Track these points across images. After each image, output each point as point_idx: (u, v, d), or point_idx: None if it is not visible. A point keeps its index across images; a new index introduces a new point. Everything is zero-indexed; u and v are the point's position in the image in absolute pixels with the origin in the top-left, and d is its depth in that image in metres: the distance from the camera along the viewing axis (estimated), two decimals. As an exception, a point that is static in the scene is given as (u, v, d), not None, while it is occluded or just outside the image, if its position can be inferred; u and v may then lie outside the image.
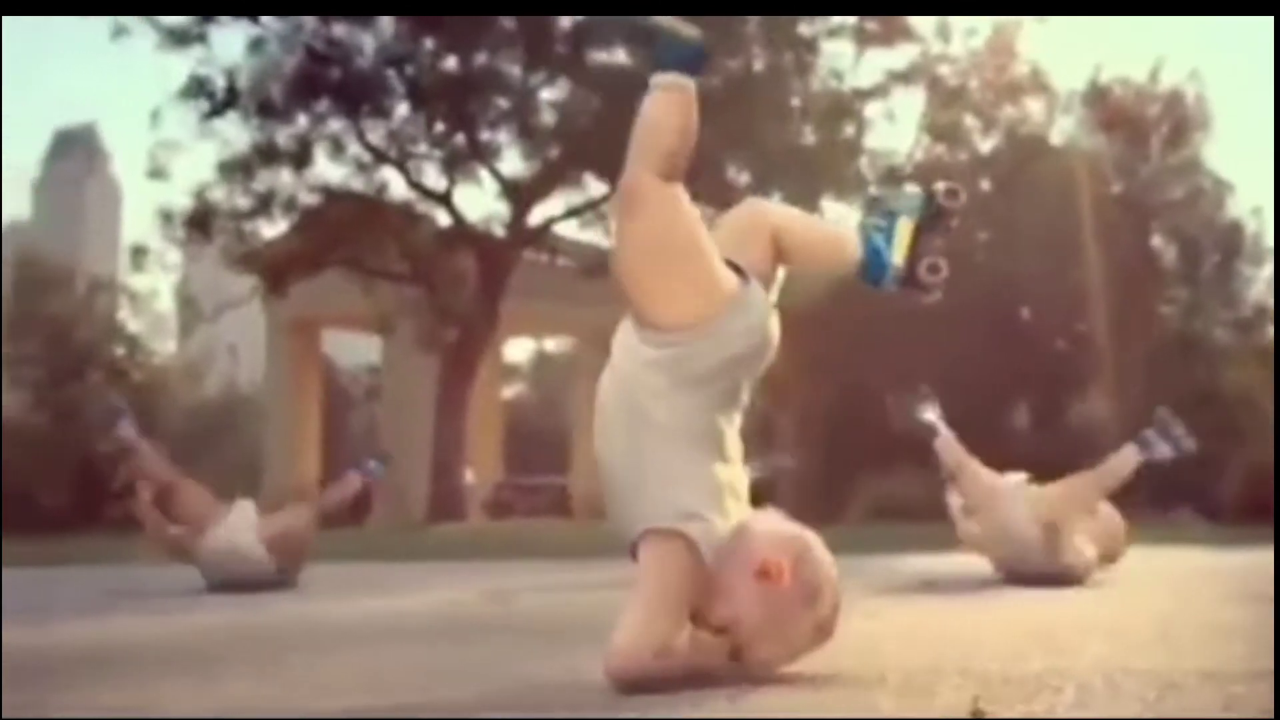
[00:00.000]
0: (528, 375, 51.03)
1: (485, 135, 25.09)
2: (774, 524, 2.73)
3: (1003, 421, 23.32)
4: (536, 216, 25.57)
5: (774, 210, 3.00)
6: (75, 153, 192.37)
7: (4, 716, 2.51)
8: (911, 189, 2.96)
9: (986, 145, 26.71)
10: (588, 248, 26.39)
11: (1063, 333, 26.30)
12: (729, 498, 2.69)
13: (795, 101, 24.20)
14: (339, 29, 24.61)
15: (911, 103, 26.20)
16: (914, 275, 2.87)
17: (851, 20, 24.12)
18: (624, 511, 2.72)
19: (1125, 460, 6.25)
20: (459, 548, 12.43)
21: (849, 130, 24.88)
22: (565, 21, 24.09)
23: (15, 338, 31.66)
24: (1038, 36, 45.58)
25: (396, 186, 25.09)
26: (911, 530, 11.23)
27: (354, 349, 42.81)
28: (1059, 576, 5.71)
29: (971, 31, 25.73)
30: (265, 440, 34.49)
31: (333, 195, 24.68)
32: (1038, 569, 5.78)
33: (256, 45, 24.20)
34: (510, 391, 45.07)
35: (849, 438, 23.93)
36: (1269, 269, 26.11)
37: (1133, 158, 26.04)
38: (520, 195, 25.14)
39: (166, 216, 24.82)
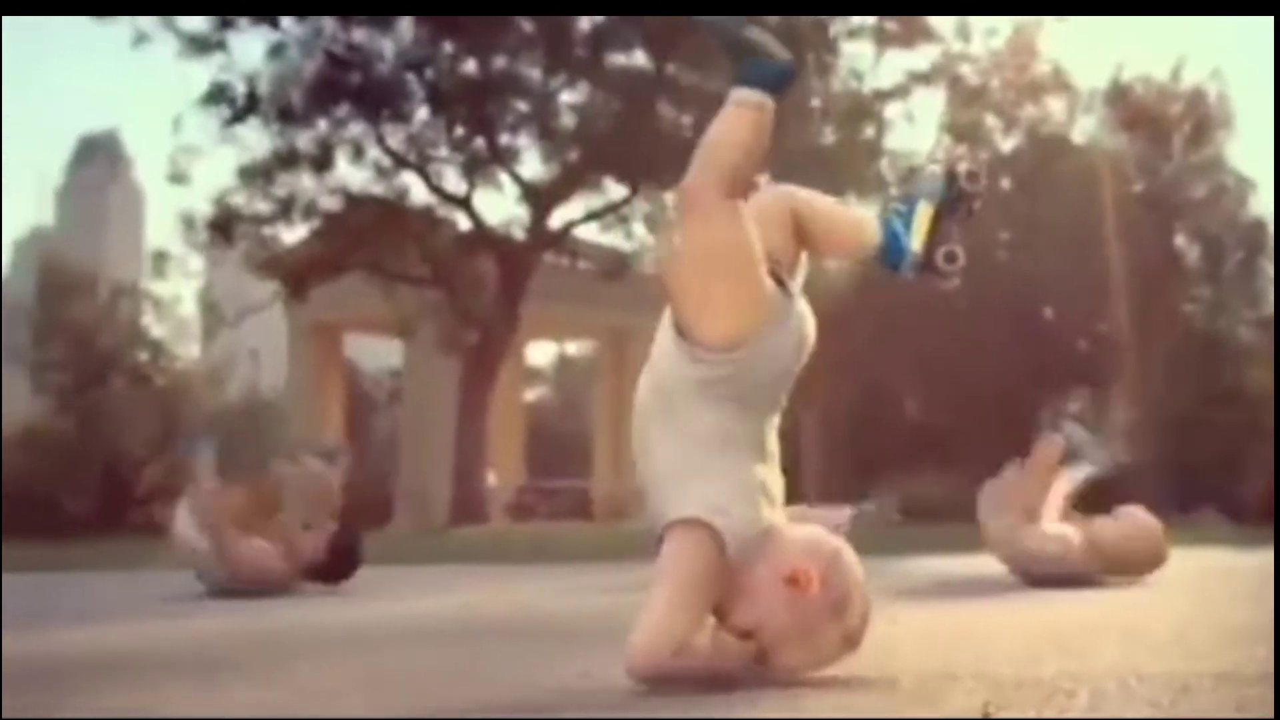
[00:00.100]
0: (550, 378, 51.06)
1: (505, 139, 25.13)
2: (806, 530, 2.72)
3: (1025, 420, 23.21)
4: (557, 220, 25.60)
5: (795, 195, 2.95)
6: (98, 159, 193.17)
7: (8, 718, 2.53)
8: (933, 172, 2.93)
9: (1008, 145, 26.63)
10: (608, 251, 26.40)
11: (1085, 332, 26.20)
12: (762, 497, 2.68)
13: (815, 102, 24.14)
14: (359, 34, 24.66)
15: (932, 103, 26.16)
16: (931, 262, 2.84)
17: (871, 21, 24.09)
18: (657, 507, 2.70)
19: (1045, 449, 6.35)
20: (480, 551, 12.42)
21: (869, 131, 24.84)
22: (584, 24, 24.11)
23: (40, 343, 31.79)
24: (1059, 35, 45.45)
25: (417, 191, 25.16)
26: (932, 532, 11.18)
27: (377, 353, 42.89)
28: (1029, 565, 5.89)
29: (992, 31, 25.71)
30: (288, 444, 34.56)
31: (353, 200, 24.74)
32: (1008, 558, 6.04)
33: (276, 51, 24.28)
34: (532, 395, 45.12)
35: (871, 437, 23.91)
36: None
37: (1155, 156, 25.91)
38: (540, 198, 25.16)
39: (188, 222, 24.94)
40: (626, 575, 6.81)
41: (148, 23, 23.76)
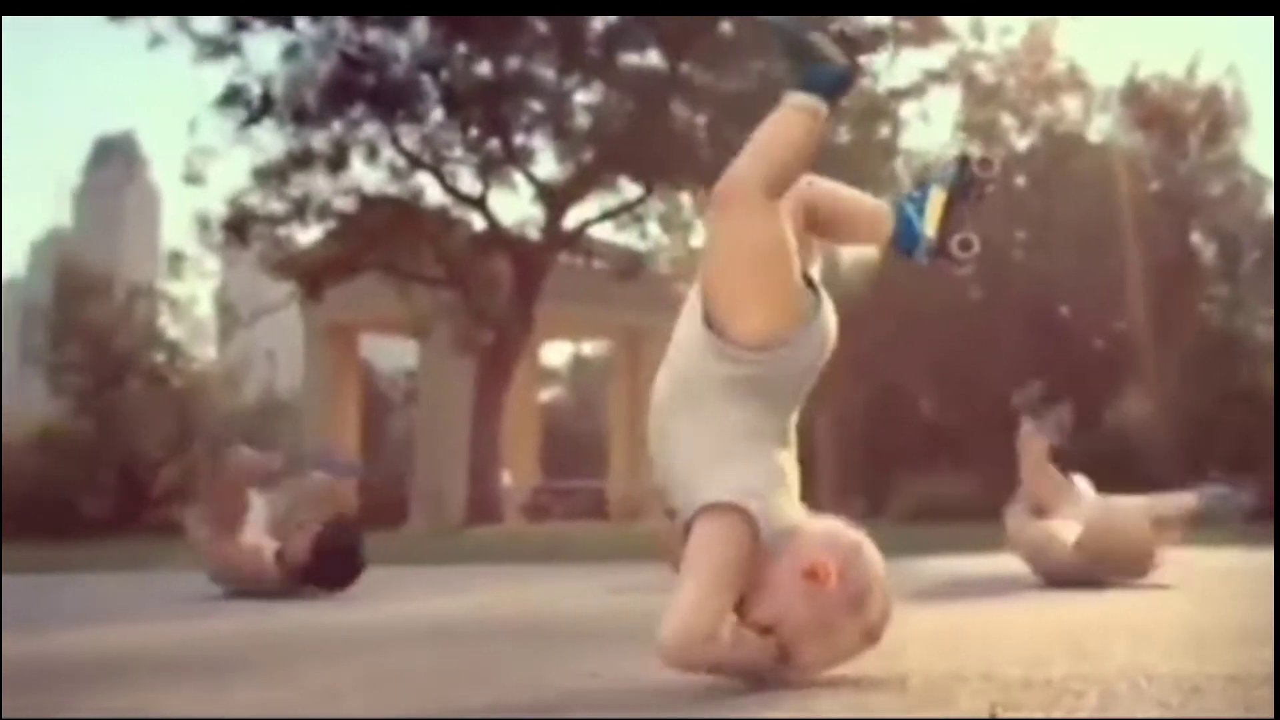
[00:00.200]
0: (565, 378, 51.11)
1: (520, 139, 25.18)
2: (827, 525, 2.71)
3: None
4: (571, 220, 25.63)
5: (809, 181, 2.94)
6: (114, 160, 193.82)
7: (17, 719, 2.54)
8: (946, 158, 2.93)
9: (1023, 143, 26.55)
10: (623, 250, 26.42)
11: (1101, 331, 26.12)
12: (785, 484, 2.69)
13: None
14: (373, 35, 24.73)
15: (947, 102, 26.13)
16: (945, 248, 2.84)
17: (886, 20, 24.07)
18: (683, 497, 2.68)
19: (1027, 445, 6.34)
20: (496, 551, 12.44)
21: (884, 130, 24.82)
22: (598, 24, 24.14)
23: (57, 345, 31.91)
24: (1074, 33, 45.38)
25: (432, 191, 25.21)
26: (947, 531, 11.16)
27: (392, 353, 42.98)
28: (1032, 561, 5.86)
29: (1007, 30, 25.67)
30: (304, 445, 34.64)
31: (368, 200, 24.81)
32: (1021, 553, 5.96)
33: (291, 52, 24.35)
34: (547, 395, 45.16)
35: (886, 437, 23.87)
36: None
37: (1171, 154, 25.81)
38: (555, 198, 25.19)
39: (203, 223, 25.03)
40: (642, 575, 6.81)
41: (163, 24, 23.86)
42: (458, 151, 25.13)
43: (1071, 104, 26.77)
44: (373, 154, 24.79)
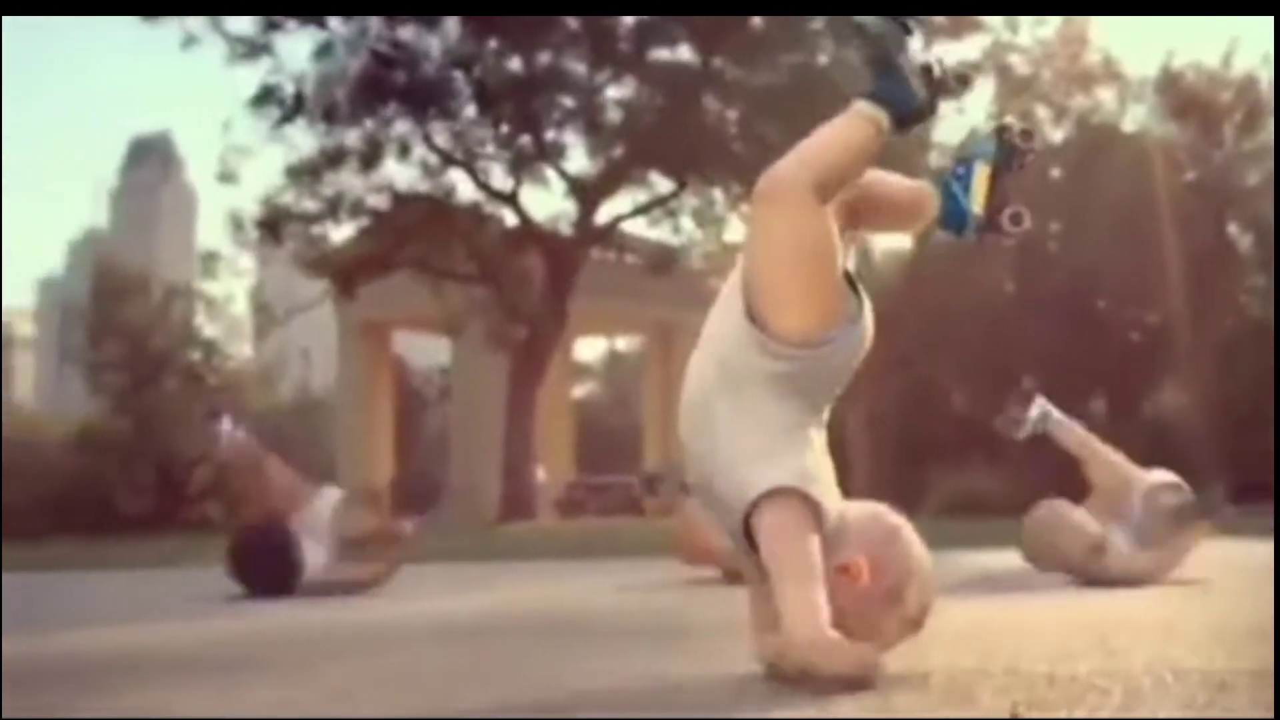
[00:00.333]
0: (598, 374, 51.16)
1: (551, 135, 25.24)
2: (865, 512, 2.70)
3: (1079, 413, 23.06)
4: (604, 215, 25.69)
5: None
6: (151, 160, 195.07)
7: (32, 718, 2.54)
8: (985, 132, 2.91)
9: (1058, 135, 26.42)
10: (655, 245, 26.43)
11: (1138, 323, 25.97)
12: (831, 477, 2.67)
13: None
14: (405, 32, 24.81)
15: (981, 93, 26.00)
16: (995, 223, 2.81)
17: (937, 18, 23.99)
18: (733, 490, 2.62)
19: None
20: (529, 547, 12.45)
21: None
22: (629, 19, 24.14)
23: (95, 344, 32.18)
24: (1108, 24, 45.12)
25: (464, 188, 25.31)
26: (980, 527, 11.11)
27: (426, 350, 43.13)
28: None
29: (1040, 21, 25.53)
30: (338, 442, 34.81)
31: (400, 198, 24.91)
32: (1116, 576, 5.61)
33: (324, 51, 24.47)
34: (581, 390, 45.23)
35: (919, 431, 23.78)
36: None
37: (1206, 144, 25.62)
38: (587, 194, 25.22)
39: (237, 222, 25.19)
40: (676, 571, 6.80)
41: (196, 25, 24.00)
42: (490, 148, 25.24)
43: (1106, 94, 26.66)
44: (405, 151, 24.90)
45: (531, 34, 23.89)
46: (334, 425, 36.78)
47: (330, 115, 24.47)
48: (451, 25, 24.62)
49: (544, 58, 24.73)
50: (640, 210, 25.88)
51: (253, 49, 24.20)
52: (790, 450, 2.60)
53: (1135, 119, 26.78)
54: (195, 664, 3.56)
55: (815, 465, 2.62)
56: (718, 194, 25.56)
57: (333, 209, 24.85)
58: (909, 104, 2.67)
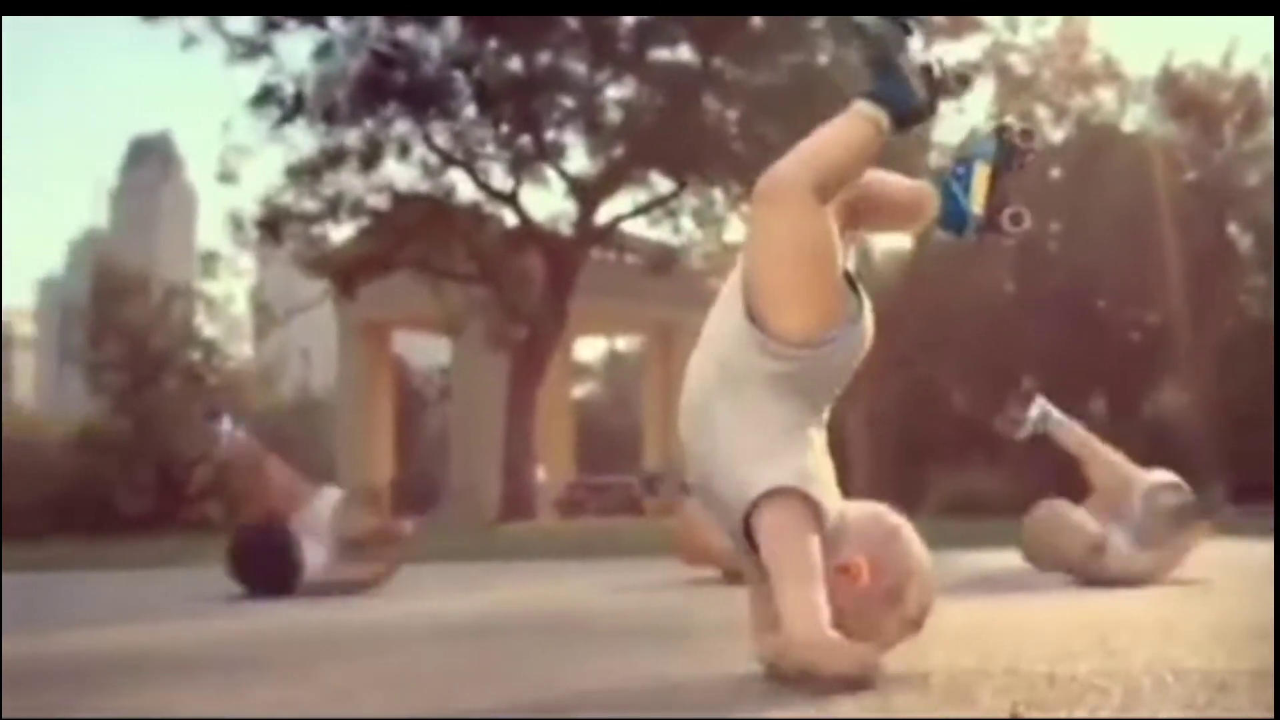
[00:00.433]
0: (598, 374, 51.17)
1: (551, 135, 25.25)
2: (865, 512, 2.70)
3: (1079, 413, 23.06)
4: (604, 215, 25.70)
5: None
6: (151, 160, 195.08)
7: (34, 719, 2.55)
8: (985, 132, 2.91)
9: (1058, 134, 26.43)
10: (655, 245, 26.43)
11: (1138, 323, 25.98)
12: (831, 477, 2.67)
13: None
14: (405, 32, 24.82)
15: (981, 93, 26.01)
16: (995, 224, 2.82)
17: (936, 17, 23.98)
18: (733, 490, 2.63)
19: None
20: (529, 547, 12.44)
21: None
22: (629, 19, 24.15)
23: (95, 344, 32.16)
24: (1108, 24, 45.16)
25: (464, 188, 25.32)
26: (979, 527, 11.10)
27: (426, 350, 43.14)
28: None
29: (1040, 21, 25.55)
30: (338, 442, 34.81)
31: (400, 198, 24.92)
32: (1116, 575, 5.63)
33: (324, 51, 24.47)
34: (581, 390, 45.23)
35: (920, 431, 23.79)
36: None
37: (1206, 144, 25.63)
38: (587, 194, 25.22)
39: (237, 222, 25.20)
40: (676, 571, 6.80)
41: (196, 25, 24.01)
42: (489, 148, 25.25)
43: (1106, 94, 26.67)
44: (405, 151, 24.91)
45: (531, 34, 23.90)
46: (334, 425, 36.78)
47: (330, 115, 24.49)
48: (451, 25, 24.65)
49: (544, 58, 24.76)
50: (640, 210, 25.90)
51: (252, 49, 24.23)
52: (790, 450, 2.60)
53: (1135, 119, 26.82)
54: (195, 664, 3.56)
55: (815, 465, 2.62)
56: (718, 194, 25.58)
57: (333, 209, 24.87)
58: (909, 104, 2.67)
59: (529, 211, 25.14)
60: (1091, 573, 5.58)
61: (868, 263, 24.40)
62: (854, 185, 2.79)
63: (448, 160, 25.00)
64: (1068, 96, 26.46)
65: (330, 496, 6.58)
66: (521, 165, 25.02)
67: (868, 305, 2.74)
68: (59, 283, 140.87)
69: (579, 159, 25.91)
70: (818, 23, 22.98)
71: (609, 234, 26.12)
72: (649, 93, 24.87)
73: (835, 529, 2.59)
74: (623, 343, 47.92)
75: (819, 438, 2.72)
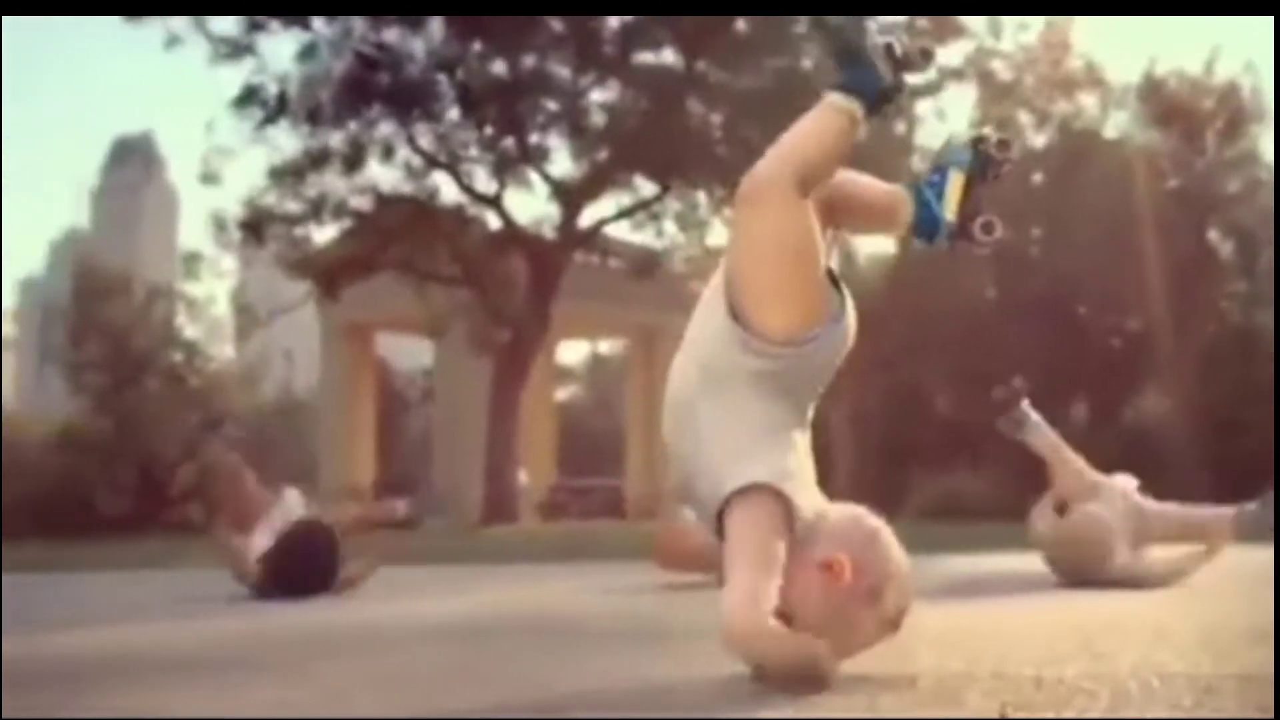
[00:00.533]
0: (581, 377, 51.17)
1: (535, 138, 25.21)
2: (845, 514, 2.71)
3: (1059, 419, 23.12)
4: (587, 218, 25.65)
5: None
6: (133, 161, 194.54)
7: (24, 719, 2.54)
8: (961, 140, 2.92)
9: (1040, 140, 26.51)
10: (639, 249, 26.43)
11: (1119, 329, 26.07)
12: (810, 477, 2.69)
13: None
14: (389, 34, 24.77)
15: (963, 99, 26.11)
16: (967, 232, 2.83)
17: (902, 18, 24.02)
18: (712, 488, 2.64)
19: (1220, 519, 6.17)
20: (512, 550, 12.43)
21: (900, 127, 24.77)
22: (613, 22, 24.15)
23: (76, 344, 32.03)
24: (1091, 30, 45.33)
25: (447, 190, 25.26)
26: (964, 530, 11.13)
27: (409, 352, 43.09)
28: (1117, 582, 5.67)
29: (1023, 26, 25.62)
30: (321, 444, 34.74)
31: (384, 199, 24.86)
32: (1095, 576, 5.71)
33: (307, 52, 24.41)
34: (564, 393, 45.22)
35: (903, 435, 23.83)
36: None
37: (1188, 151, 25.73)
38: (570, 197, 25.20)
39: (220, 223, 25.13)
40: (658, 575, 6.80)
41: (179, 25, 23.94)
42: (473, 150, 25.19)
43: (1088, 101, 26.75)
44: (388, 153, 24.84)
45: (516, 37, 23.88)
46: (316, 426, 36.71)
47: (314, 116, 24.42)
48: (436, 27, 24.61)
49: (528, 61, 24.71)
50: (623, 214, 25.88)
51: (236, 49, 24.15)
52: (770, 449, 2.62)
53: (1117, 125, 26.90)
54: (188, 665, 3.55)
55: (794, 464, 2.64)
56: (701, 197, 25.57)
57: (316, 210, 24.78)
58: (877, 87, 2.72)
59: (513, 214, 25.13)
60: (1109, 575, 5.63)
61: (852, 266, 24.45)
62: (831, 185, 2.82)
63: (431, 162, 24.96)
64: (1050, 102, 26.53)
65: (291, 496, 6.62)
66: (505, 168, 24.99)
67: (850, 303, 2.76)
68: (40, 283, 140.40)
69: (563, 162, 25.92)
70: (801, 26, 23.00)
71: (592, 237, 26.11)
72: (633, 96, 24.87)
73: (810, 528, 2.61)
74: (605, 346, 47.95)
75: (802, 438, 2.73)
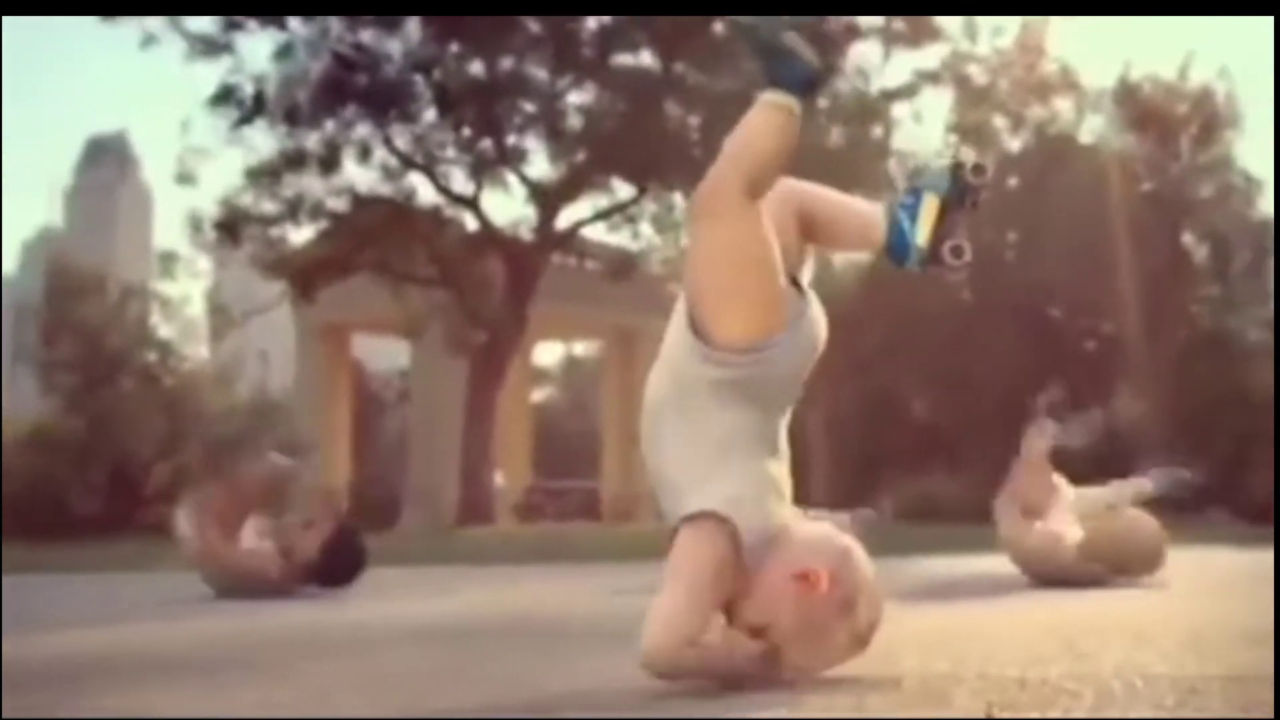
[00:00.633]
0: (557, 379, 51.09)
1: (512, 139, 25.13)
2: (816, 528, 2.73)
3: (1033, 422, 23.18)
4: (564, 220, 25.61)
5: (801, 190, 2.94)
6: (107, 160, 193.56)
7: (12, 719, 2.53)
8: (938, 165, 2.93)
9: (1015, 144, 26.61)
10: (615, 251, 26.41)
11: (1093, 332, 26.18)
12: (774, 493, 2.69)
13: (822, 102, 24.17)
14: (366, 35, 24.69)
15: (939, 103, 26.20)
16: (938, 255, 2.85)
17: (879, 21, 24.09)
18: (670, 504, 2.70)
19: (1031, 444, 6.37)
20: (488, 551, 12.42)
21: (877, 131, 24.84)
22: (591, 24, 24.13)
23: (48, 343, 31.82)
24: (1066, 34, 45.52)
25: (424, 191, 25.16)
26: (940, 532, 11.17)
27: (385, 353, 42.95)
28: (1027, 564, 5.81)
29: (999, 30, 25.70)
30: (296, 445, 34.62)
31: (360, 200, 24.76)
32: (1017, 561, 5.98)
33: (284, 52, 24.30)
34: (540, 395, 45.15)
35: (879, 438, 23.90)
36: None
37: (1163, 156, 25.85)
38: (548, 199, 25.17)
39: (195, 223, 25.01)
40: (635, 576, 6.81)
41: (155, 24, 23.82)
42: (450, 152, 25.09)
43: (1063, 105, 26.83)
44: (365, 154, 24.74)
45: (493, 38, 23.82)
46: (292, 427, 36.58)
47: (291, 117, 24.31)
48: (413, 28, 24.53)
49: (506, 62, 24.65)
50: (600, 216, 25.83)
51: (212, 47, 24.03)
52: (723, 474, 2.64)
53: (1092, 130, 27.01)
54: (174, 665, 3.54)
55: (751, 487, 2.65)
56: (678, 199, 25.55)
57: (292, 211, 24.67)
58: (807, 74, 2.72)
59: (490, 216, 25.07)
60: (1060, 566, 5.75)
61: (828, 270, 24.47)
62: (808, 202, 2.84)
63: (408, 163, 24.88)
64: (1025, 106, 26.63)
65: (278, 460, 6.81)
66: (482, 169, 24.92)
67: (817, 310, 2.76)
68: (12, 282, 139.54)
69: (540, 164, 25.86)
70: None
71: (569, 239, 26.09)
72: (610, 98, 24.83)
73: (779, 540, 2.63)
74: (581, 348, 47.87)
75: (773, 447, 2.73)
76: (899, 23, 24.15)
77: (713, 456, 2.65)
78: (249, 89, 24.32)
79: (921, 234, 2.83)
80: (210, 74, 49.72)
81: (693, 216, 2.73)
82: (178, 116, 24.54)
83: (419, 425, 31.33)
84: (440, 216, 25.25)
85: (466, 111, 24.58)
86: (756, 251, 2.64)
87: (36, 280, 36.24)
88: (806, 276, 2.86)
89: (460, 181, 25.03)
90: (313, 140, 24.54)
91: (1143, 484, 6.38)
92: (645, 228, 25.87)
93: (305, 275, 24.58)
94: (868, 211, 2.94)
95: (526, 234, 25.28)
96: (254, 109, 24.33)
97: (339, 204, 24.94)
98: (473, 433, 24.16)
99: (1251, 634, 3.50)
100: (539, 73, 24.99)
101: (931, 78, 25.21)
